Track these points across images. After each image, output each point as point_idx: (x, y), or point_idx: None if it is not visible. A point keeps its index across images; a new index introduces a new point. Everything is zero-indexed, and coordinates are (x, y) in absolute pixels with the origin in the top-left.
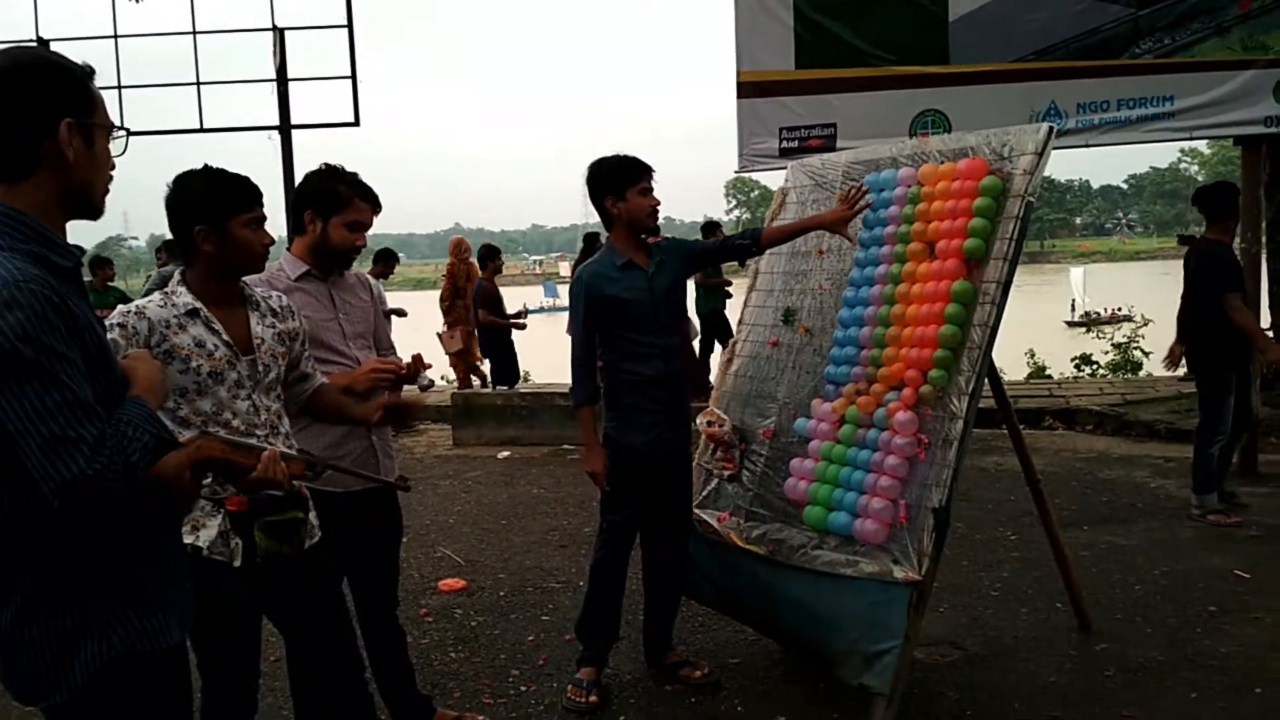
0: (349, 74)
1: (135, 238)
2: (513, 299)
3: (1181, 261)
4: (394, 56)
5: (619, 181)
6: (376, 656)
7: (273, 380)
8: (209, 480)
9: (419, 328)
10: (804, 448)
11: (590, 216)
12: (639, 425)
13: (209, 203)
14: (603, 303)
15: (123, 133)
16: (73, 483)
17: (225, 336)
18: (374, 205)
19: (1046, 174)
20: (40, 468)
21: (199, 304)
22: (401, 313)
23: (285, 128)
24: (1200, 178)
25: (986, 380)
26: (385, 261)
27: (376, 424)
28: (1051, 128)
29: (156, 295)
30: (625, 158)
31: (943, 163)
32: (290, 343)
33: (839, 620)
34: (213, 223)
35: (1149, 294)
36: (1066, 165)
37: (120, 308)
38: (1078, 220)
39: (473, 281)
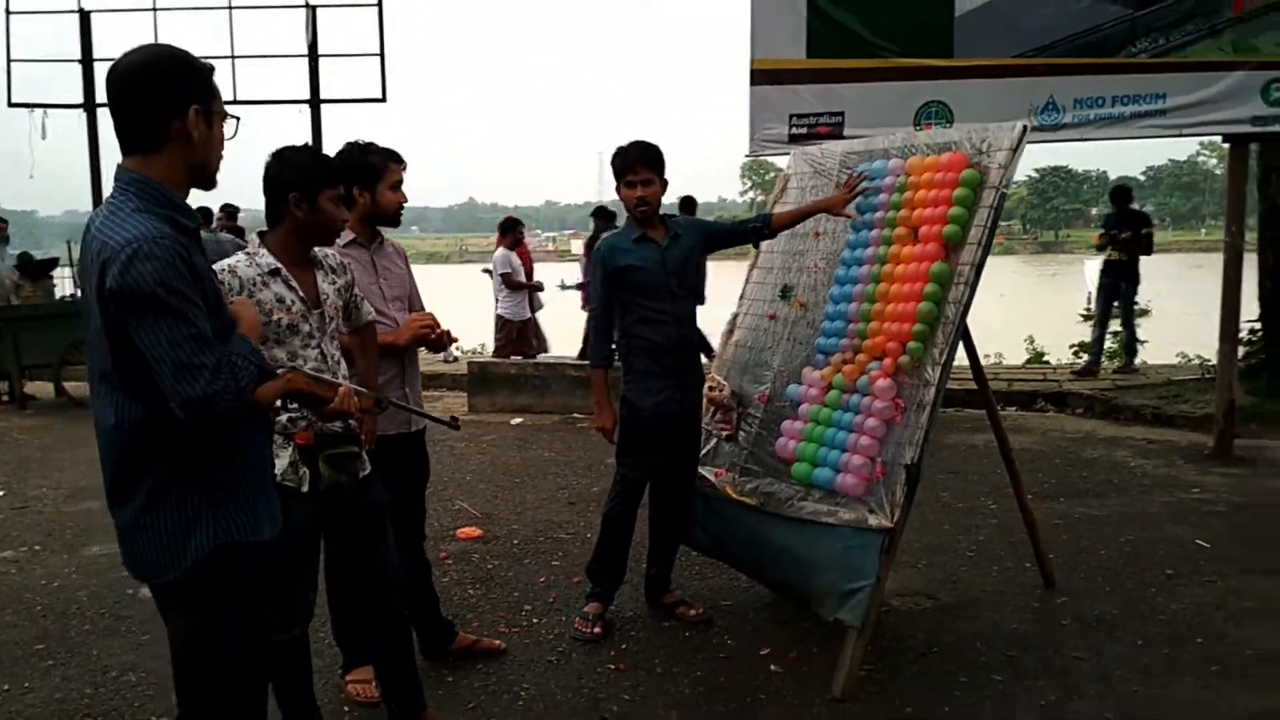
0: (378, 51)
1: None
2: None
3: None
4: (420, 33)
5: (615, 172)
6: (406, 581)
7: (334, 329)
8: (295, 408)
9: (441, 299)
10: (795, 411)
11: (604, 194)
12: (650, 388)
13: (306, 175)
14: (617, 272)
15: (234, 120)
16: (197, 400)
17: (301, 293)
18: (402, 163)
19: (1063, 164)
20: (171, 387)
21: (280, 264)
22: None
23: (315, 102)
24: (1219, 171)
25: (968, 361)
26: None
27: (405, 345)
28: (1026, 126)
29: (242, 256)
30: (623, 149)
31: (928, 155)
32: (347, 294)
33: (819, 562)
34: (306, 193)
35: (1164, 286)
36: (1083, 156)
37: (218, 265)
38: (1093, 211)
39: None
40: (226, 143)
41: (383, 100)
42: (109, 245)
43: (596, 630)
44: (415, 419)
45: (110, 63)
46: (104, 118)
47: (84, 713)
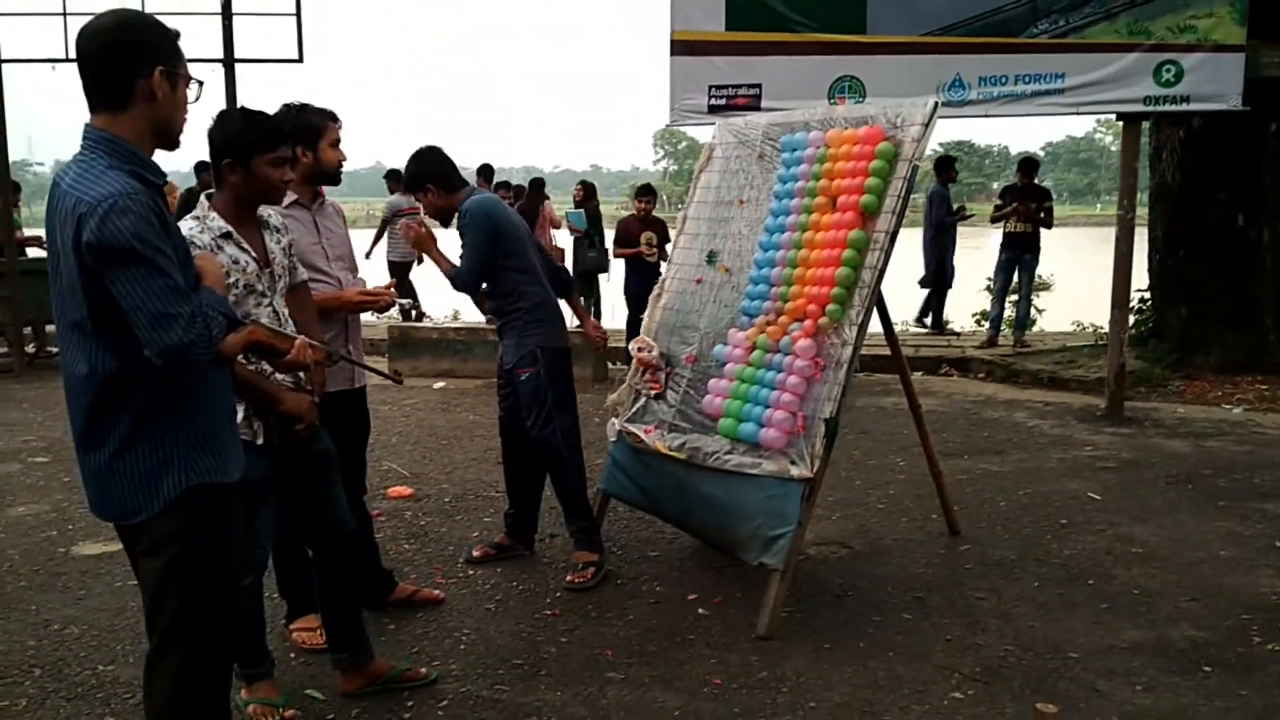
0: (294, 11)
1: (41, 163)
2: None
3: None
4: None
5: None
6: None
7: (283, 287)
8: (254, 359)
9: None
10: (720, 370)
11: (511, 156)
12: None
13: (239, 140)
14: None
15: (198, 84)
16: (174, 347)
17: (254, 254)
18: (339, 121)
19: (968, 138)
20: (148, 336)
21: (230, 227)
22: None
23: (230, 62)
24: (1114, 148)
25: (881, 326)
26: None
27: (352, 308)
28: (937, 103)
29: (193, 222)
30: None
31: (847, 129)
32: (289, 251)
33: (744, 511)
34: (240, 158)
35: (1062, 259)
36: (986, 132)
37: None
38: (995, 185)
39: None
40: (190, 106)
41: (299, 61)
42: (85, 200)
43: (485, 550)
44: (358, 375)
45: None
46: None
47: (29, 663)
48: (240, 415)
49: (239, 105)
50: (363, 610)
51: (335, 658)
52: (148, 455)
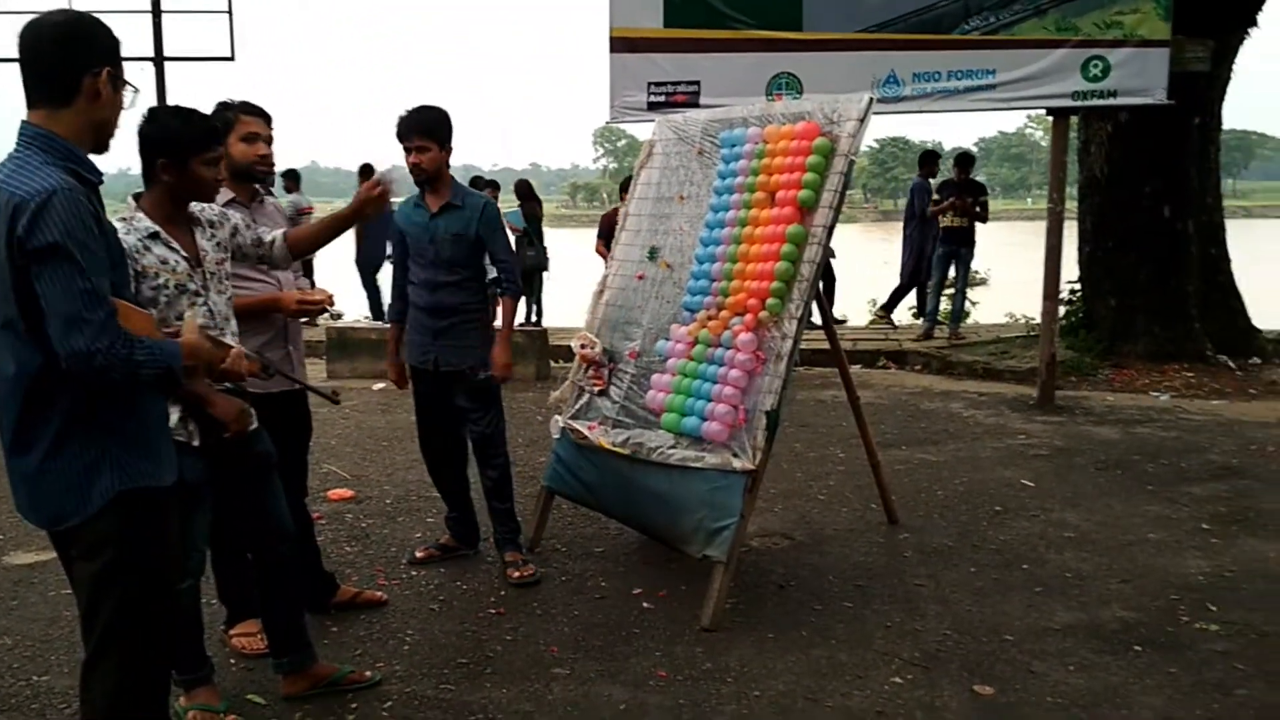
0: (226, 8)
1: None
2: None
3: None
4: None
5: (397, 138)
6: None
7: (220, 285)
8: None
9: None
10: (663, 365)
11: (453, 158)
12: (411, 342)
13: (175, 139)
14: (400, 233)
15: (134, 91)
16: (77, 353)
17: (183, 253)
18: (261, 115)
19: (902, 135)
20: (57, 338)
21: (157, 227)
22: None
23: (160, 60)
24: (1044, 143)
25: (821, 320)
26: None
27: (291, 312)
28: (871, 99)
29: (120, 223)
30: (402, 117)
31: (784, 124)
32: (231, 241)
33: (688, 504)
34: (175, 158)
35: (995, 253)
36: (921, 128)
37: None
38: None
39: None
40: (124, 112)
41: (231, 59)
42: (18, 194)
43: (429, 552)
44: (298, 370)
45: None
46: None
47: None
48: (175, 417)
49: (168, 103)
50: (304, 613)
51: (276, 662)
52: (79, 458)
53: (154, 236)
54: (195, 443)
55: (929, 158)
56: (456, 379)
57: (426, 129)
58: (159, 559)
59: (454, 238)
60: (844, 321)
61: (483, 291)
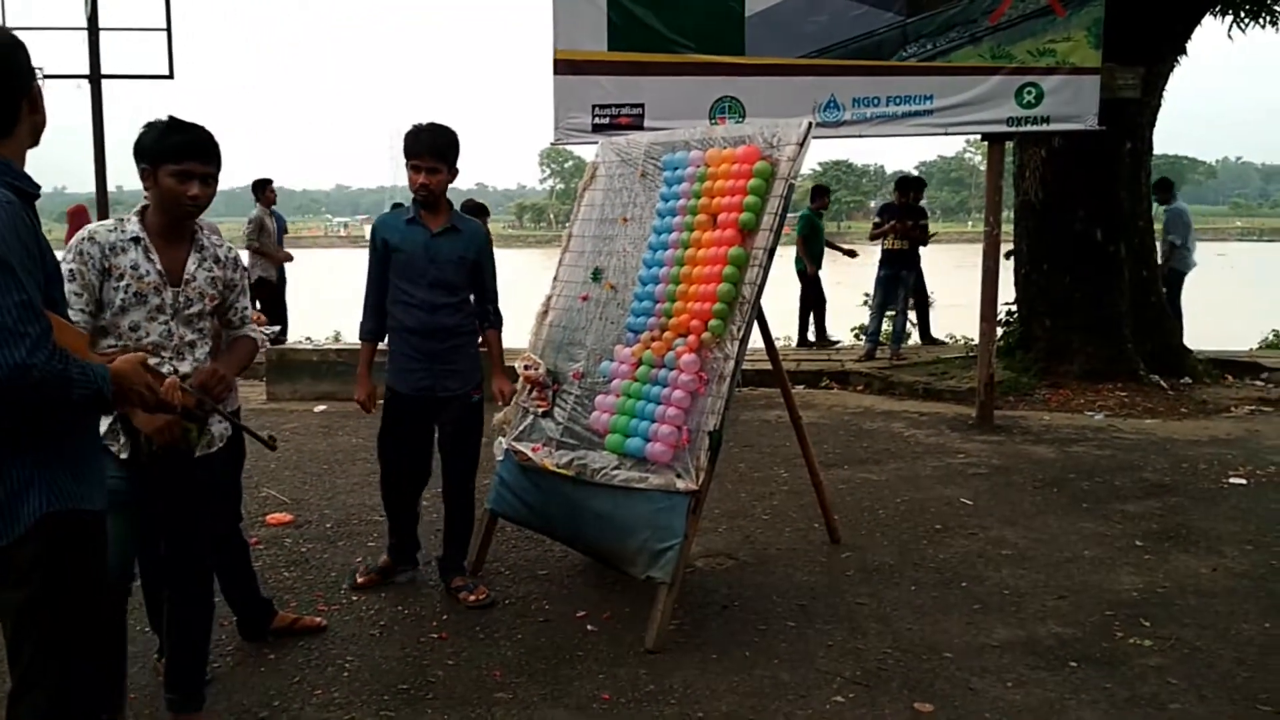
0: (165, 26)
1: None
2: (316, 261)
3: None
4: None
5: (405, 152)
6: (223, 562)
7: (194, 314)
8: None
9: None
10: (607, 386)
11: (399, 177)
12: (401, 368)
13: (148, 148)
14: (385, 248)
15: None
16: (12, 366)
17: (159, 266)
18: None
19: (845, 158)
20: None
21: (143, 234)
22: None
23: (96, 77)
24: (983, 167)
25: (763, 341)
26: None
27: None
28: (811, 123)
29: (110, 222)
30: (414, 132)
31: (725, 148)
32: (225, 290)
33: (632, 525)
34: (149, 165)
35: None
36: (863, 152)
37: (78, 233)
38: (871, 204)
39: None
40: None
41: (170, 77)
42: None
43: (370, 577)
44: (234, 395)
45: None
46: None
47: None
48: (106, 426)
49: (169, 116)
50: (206, 656)
51: (168, 697)
52: (6, 478)
53: (136, 241)
54: (124, 456)
55: (819, 192)
56: (447, 403)
57: (439, 151)
58: (90, 586)
59: (458, 260)
60: (838, 343)
61: (473, 313)
